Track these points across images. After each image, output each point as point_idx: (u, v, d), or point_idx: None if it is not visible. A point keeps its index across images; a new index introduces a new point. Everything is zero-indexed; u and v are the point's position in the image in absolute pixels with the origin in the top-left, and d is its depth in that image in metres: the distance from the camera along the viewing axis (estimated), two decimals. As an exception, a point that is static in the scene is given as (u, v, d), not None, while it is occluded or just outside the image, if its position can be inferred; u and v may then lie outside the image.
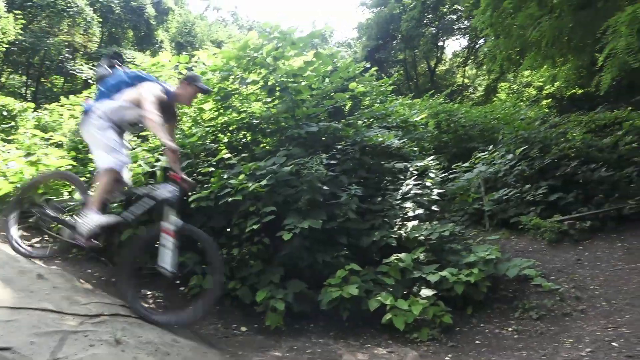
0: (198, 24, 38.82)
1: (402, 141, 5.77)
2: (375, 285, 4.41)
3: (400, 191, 5.14)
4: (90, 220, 3.45)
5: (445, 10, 26.67)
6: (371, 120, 6.75)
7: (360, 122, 6.12)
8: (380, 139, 5.33)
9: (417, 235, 4.70)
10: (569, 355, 3.59)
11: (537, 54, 7.11)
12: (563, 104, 15.86)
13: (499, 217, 7.90)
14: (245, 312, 4.37)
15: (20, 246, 3.83)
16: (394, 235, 4.69)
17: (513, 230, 7.41)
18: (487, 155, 6.85)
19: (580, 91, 15.44)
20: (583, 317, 4.26)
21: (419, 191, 5.12)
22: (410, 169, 5.45)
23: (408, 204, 4.97)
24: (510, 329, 4.15)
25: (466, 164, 6.44)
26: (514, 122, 9.71)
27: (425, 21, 26.94)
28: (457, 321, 4.35)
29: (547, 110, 13.05)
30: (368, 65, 7.92)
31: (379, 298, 4.07)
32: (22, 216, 4.28)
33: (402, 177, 5.44)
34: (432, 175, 5.56)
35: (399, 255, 4.53)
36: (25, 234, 4.72)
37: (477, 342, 4.00)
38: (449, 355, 3.78)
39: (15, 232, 3.90)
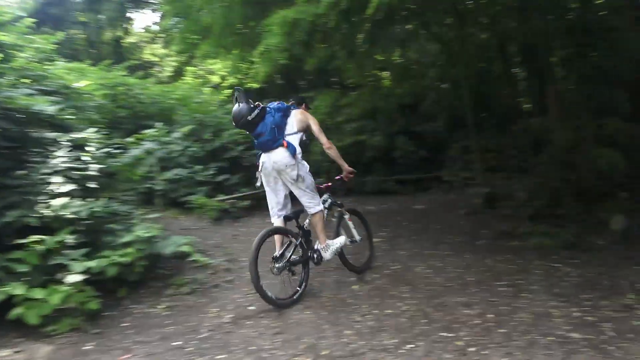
0: None
1: (58, 108, 5.03)
2: (8, 274, 3.69)
3: (49, 164, 4.46)
4: (335, 245, 4.35)
5: (136, -21, 25.13)
6: (22, 80, 5.67)
7: (2, 79, 5.04)
8: (25, 102, 4.49)
9: (65, 214, 4.16)
10: (212, 323, 3.82)
11: (212, 41, 7.34)
12: (241, 95, 17.32)
13: (170, 196, 7.94)
14: None
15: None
16: (35, 215, 4.03)
17: (182, 209, 7.57)
18: (155, 132, 6.79)
19: (256, 86, 17.25)
20: (230, 286, 4.64)
21: (73, 165, 4.56)
22: (65, 140, 4.80)
23: (57, 179, 4.35)
24: (161, 307, 4.15)
25: (130, 139, 6.20)
26: (191, 104, 9.95)
27: (112, -14, 24.76)
28: (107, 306, 4.07)
29: (223, 98, 13.89)
30: (24, 17, 6.63)
31: (6, 289, 3.41)
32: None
33: (55, 150, 4.75)
34: (91, 149, 5.04)
35: (40, 237, 3.91)
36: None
37: (125, 324, 3.83)
38: (92, 344, 3.48)
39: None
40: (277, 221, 4.37)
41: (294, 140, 4.15)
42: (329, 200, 4.64)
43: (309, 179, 4.24)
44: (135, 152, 5.75)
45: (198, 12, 6.90)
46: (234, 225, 6.87)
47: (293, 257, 4.23)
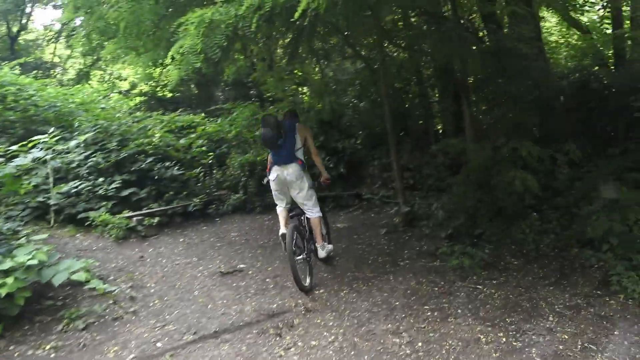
0: None
1: None
2: None
3: None
4: (329, 247, 5.21)
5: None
6: None
7: None
8: None
9: None
10: (111, 365, 3.28)
11: (119, 41, 6.66)
12: (152, 103, 16.32)
13: (67, 212, 7.08)
14: None
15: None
16: None
17: (81, 226, 6.77)
18: (47, 139, 5.99)
19: (170, 94, 16.44)
20: (134, 319, 4.08)
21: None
22: None
23: None
24: (48, 347, 3.51)
25: (15, 147, 5.36)
26: (95, 109, 9.06)
27: (5, -25, 22.44)
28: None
29: (133, 105, 12.91)
30: None
31: None
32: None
33: None
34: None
35: None
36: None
37: (-1, 372, 3.17)
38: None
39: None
40: (281, 210, 4.95)
41: (301, 154, 4.82)
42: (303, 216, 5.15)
43: (313, 189, 4.95)
44: (20, 161, 4.95)
45: (103, 6, 6.22)
46: (141, 246, 6.21)
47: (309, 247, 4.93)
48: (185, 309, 4.24)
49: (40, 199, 7.15)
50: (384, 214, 7.83)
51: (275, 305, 4.32)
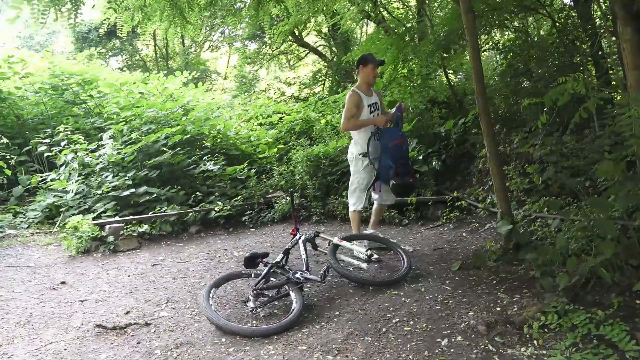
0: None
1: None
2: None
3: None
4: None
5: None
6: None
7: None
8: None
9: None
10: None
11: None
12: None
13: (73, 213, 5.90)
14: None
15: None
16: None
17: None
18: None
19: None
20: None
21: None
22: None
23: None
24: None
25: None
26: (133, 95, 7.73)
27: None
28: None
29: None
30: None
31: None
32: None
33: None
34: None
35: None
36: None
37: None
38: None
39: None
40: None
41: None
42: (303, 237, 3.86)
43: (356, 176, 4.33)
44: None
45: None
46: (93, 265, 4.47)
47: None
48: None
49: (50, 198, 6.15)
50: (485, 231, 4.76)
51: None
